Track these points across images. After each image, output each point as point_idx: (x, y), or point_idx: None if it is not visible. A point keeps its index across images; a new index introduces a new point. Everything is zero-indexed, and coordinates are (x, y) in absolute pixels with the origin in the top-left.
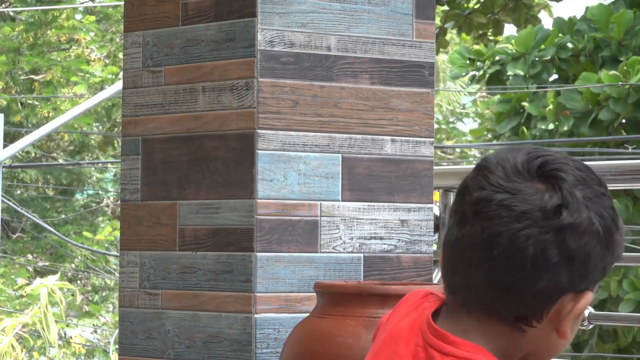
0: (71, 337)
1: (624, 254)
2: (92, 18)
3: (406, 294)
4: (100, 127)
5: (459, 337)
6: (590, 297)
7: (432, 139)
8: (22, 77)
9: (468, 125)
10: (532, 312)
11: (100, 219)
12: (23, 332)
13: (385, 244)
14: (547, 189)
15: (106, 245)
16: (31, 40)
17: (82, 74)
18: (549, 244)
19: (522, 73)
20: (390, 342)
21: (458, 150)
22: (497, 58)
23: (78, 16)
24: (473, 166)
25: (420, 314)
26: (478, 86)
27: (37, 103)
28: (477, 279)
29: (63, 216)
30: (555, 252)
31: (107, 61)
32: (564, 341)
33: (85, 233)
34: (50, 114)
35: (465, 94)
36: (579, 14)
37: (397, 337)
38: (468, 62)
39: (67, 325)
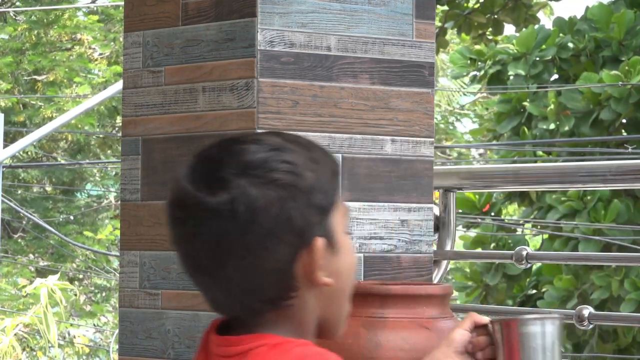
0: (74, 337)
1: (625, 254)
2: (95, 17)
3: (406, 293)
4: (102, 128)
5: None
6: (319, 241)
7: (432, 139)
8: (25, 78)
9: (467, 126)
10: (281, 288)
11: (104, 215)
12: (24, 332)
13: (385, 244)
14: (216, 193)
15: (107, 245)
16: (34, 39)
17: (85, 74)
18: (246, 238)
19: (523, 73)
20: None
21: (455, 154)
22: (498, 58)
23: (80, 14)
24: (472, 166)
25: (206, 337)
26: (479, 86)
27: (40, 104)
28: (217, 295)
29: (64, 216)
30: (256, 238)
31: (111, 59)
32: (336, 287)
33: (86, 232)
34: (54, 115)
35: (462, 94)
36: (578, 14)
37: None
38: (469, 62)
39: (71, 325)
